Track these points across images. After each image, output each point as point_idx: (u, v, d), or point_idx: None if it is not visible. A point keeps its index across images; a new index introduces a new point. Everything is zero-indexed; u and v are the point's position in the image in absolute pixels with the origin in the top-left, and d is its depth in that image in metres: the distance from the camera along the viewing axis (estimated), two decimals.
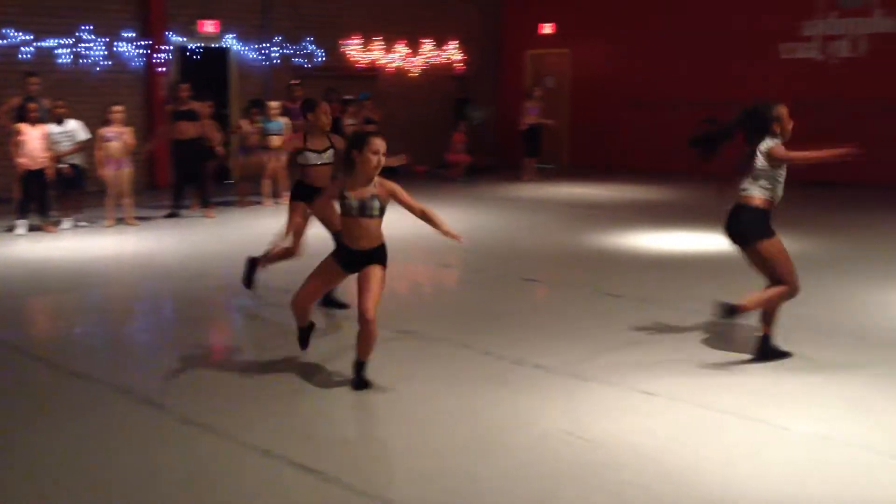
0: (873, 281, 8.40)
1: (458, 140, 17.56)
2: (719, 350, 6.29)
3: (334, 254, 5.67)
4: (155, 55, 15.22)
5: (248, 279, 7.56)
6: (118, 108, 11.61)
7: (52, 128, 11.08)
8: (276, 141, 13.21)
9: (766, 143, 6.00)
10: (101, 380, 5.70)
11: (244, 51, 16.51)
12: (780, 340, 6.20)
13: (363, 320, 5.33)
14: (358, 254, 5.46)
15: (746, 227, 6.02)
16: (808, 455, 4.55)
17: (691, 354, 6.19)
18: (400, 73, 18.85)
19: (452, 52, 19.65)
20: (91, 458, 4.55)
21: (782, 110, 6.07)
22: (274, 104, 13.62)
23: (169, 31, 15.48)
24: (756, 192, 6.02)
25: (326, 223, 7.04)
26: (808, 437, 4.75)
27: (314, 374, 5.80)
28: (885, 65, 15.33)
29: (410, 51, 18.93)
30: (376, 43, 18.35)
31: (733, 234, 6.12)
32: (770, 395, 5.40)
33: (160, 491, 4.18)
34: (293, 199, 7.22)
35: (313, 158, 7.22)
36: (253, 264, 7.56)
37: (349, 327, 6.81)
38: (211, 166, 12.94)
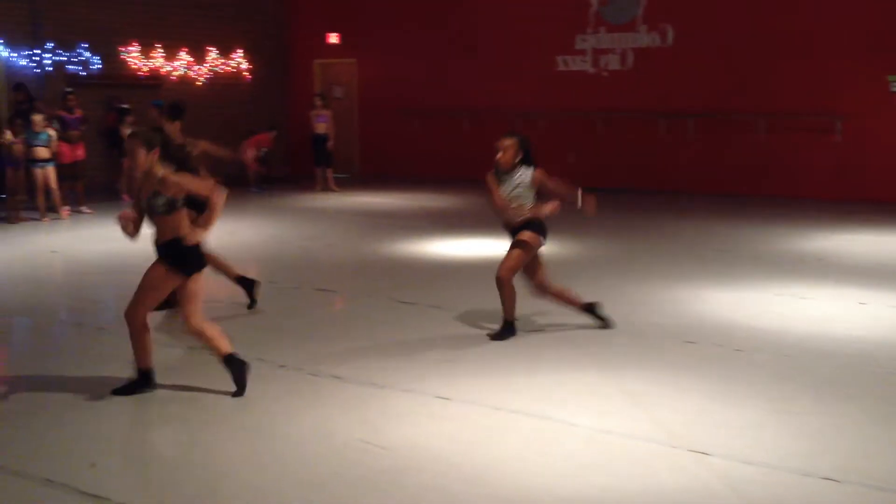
0: (650, 281, 8.97)
1: (262, 140, 17.15)
2: (510, 353, 6.54)
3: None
4: None
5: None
6: None
7: None
8: (43, 152, 12.55)
9: None
10: None
11: (13, 57, 15.50)
12: (563, 341, 6.52)
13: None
14: (158, 249, 5.49)
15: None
16: (594, 448, 4.81)
17: (482, 358, 6.40)
18: (185, 82, 18.31)
19: (239, 61, 19.30)
20: None
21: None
22: (38, 118, 12.81)
23: None
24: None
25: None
26: (593, 432, 5.02)
27: (93, 395, 5.55)
28: (648, 78, 16.42)
29: (194, 59, 18.43)
30: (157, 50, 17.74)
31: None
32: (557, 393, 5.66)
33: None
34: None
35: None
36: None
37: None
38: None
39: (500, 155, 6.87)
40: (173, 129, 7.75)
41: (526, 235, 6.78)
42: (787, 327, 7.19)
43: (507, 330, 6.89)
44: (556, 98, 17.37)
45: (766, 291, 8.42)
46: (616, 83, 16.82)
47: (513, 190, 6.81)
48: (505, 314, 6.90)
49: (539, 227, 6.87)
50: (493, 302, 7.94)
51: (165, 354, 6.48)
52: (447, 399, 5.52)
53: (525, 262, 6.88)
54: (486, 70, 18.02)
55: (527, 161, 6.89)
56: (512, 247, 6.88)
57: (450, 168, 18.25)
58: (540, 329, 7.16)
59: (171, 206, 5.38)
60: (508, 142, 6.85)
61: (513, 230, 6.87)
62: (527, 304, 7.88)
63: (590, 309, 7.17)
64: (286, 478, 4.43)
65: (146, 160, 5.43)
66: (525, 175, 6.83)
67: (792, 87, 15.20)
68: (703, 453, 4.69)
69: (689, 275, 9.22)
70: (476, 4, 18.11)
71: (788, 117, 15.28)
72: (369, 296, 8.36)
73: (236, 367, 5.60)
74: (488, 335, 6.87)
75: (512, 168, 6.85)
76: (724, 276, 9.17)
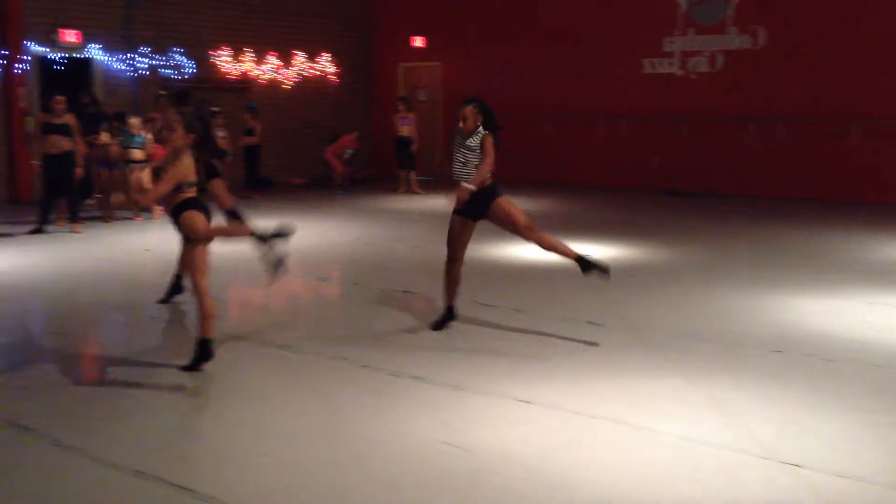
0: (736, 287, 8.79)
1: (346, 142, 17.35)
2: (591, 358, 6.48)
3: None
4: (13, 66, 14.60)
5: None
6: None
7: None
8: (138, 154, 12.93)
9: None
10: None
11: (109, 61, 16.02)
12: (646, 347, 6.44)
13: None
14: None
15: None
16: (678, 457, 4.73)
17: (563, 362, 6.36)
18: (273, 85, 18.67)
19: (325, 65, 19.59)
20: None
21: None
22: (135, 120, 13.21)
23: (28, 40, 14.88)
24: None
25: None
26: (677, 440, 4.93)
27: (185, 390, 5.69)
28: (738, 80, 16.11)
29: (282, 63, 18.77)
30: (246, 54, 18.13)
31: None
32: (640, 399, 5.58)
33: None
34: None
35: None
36: None
37: (226, 343, 6.71)
38: (77, 180, 12.51)
39: (461, 123, 7.01)
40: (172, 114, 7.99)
41: (504, 200, 7.01)
42: (881, 337, 6.96)
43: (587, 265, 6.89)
44: (641, 101, 17.18)
45: (858, 300, 8.16)
46: (704, 86, 16.54)
47: (468, 152, 6.97)
48: (570, 255, 6.99)
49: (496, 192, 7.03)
50: (577, 307, 7.89)
51: (243, 354, 6.61)
52: (527, 402, 5.49)
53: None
54: (569, 74, 17.92)
55: (488, 126, 7.01)
56: (508, 211, 7.01)
57: (530, 172, 18.19)
58: (622, 333, 7.07)
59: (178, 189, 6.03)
60: (468, 108, 6.99)
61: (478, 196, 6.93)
62: (608, 309, 7.82)
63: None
64: (366, 477, 4.47)
65: (181, 140, 6.01)
66: (476, 139, 6.98)
67: (889, 91, 14.72)
68: (795, 465, 4.57)
69: (777, 282, 9.00)
70: (560, 7, 18.02)
71: (884, 122, 14.80)
72: None
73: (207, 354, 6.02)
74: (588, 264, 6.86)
75: (474, 132, 6.99)
76: (813, 283, 8.93)
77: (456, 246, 7.14)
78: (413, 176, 17.07)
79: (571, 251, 6.99)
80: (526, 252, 10.71)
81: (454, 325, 7.37)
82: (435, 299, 8.05)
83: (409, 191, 16.94)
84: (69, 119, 11.94)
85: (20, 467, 4.58)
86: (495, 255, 10.62)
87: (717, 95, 16.31)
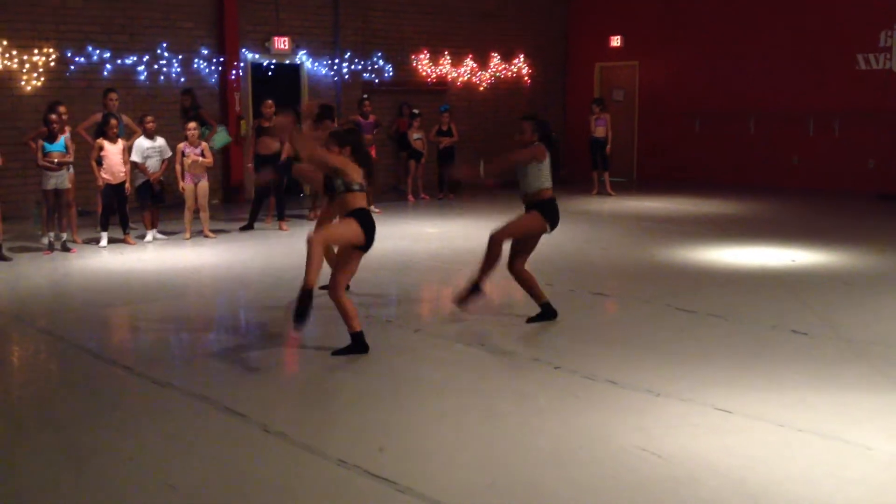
0: None
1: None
2: (796, 367, 6.19)
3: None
4: (230, 72, 15.56)
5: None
6: (192, 124, 11.88)
7: (144, 142, 11.44)
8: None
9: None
10: (182, 388, 5.84)
11: (315, 66, 16.77)
12: (858, 359, 6.09)
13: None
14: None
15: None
16: (891, 475, 4.45)
17: (766, 371, 6.11)
18: (468, 87, 18.96)
19: (520, 65, 19.70)
20: (172, 464, 4.67)
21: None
22: (346, 120, 13.89)
23: (243, 47, 15.82)
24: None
25: None
26: (891, 457, 4.65)
27: (386, 383, 5.87)
28: None
29: (477, 64, 19.03)
30: (445, 57, 18.50)
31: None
32: (850, 413, 5.30)
33: (239, 498, 4.28)
34: None
35: None
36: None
37: (419, 339, 6.88)
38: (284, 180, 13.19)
39: (518, 135, 7.38)
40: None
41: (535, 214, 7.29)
42: None
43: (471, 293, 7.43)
44: (855, 99, 16.24)
45: None
46: None
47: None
48: (477, 279, 7.40)
49: (544, 210, 7.28)
50: (780, 313, 7.57)
51: (439, 351, 6.74)
52: (728, 412, 5.31)
53: (521, 236, 7.36)
54: (775, 70, 17.20)
55: (544, 141, 7.31)
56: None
57: (734, 173, 17.60)
58: (831, 343, 6.71)
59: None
60: (527, 124, 7.34)
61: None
62: (815, 318, 7.48)
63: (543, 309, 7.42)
64: (564, 479, 4.46)
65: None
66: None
67: None
68: None
69: None
70: (764, 1, 17.31)
71: None
72: (646, 301, 8.22)
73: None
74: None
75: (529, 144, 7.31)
76: None
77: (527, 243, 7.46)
78: (607, 177, 16.87)
79: (482, 277, 7.38)
80: (724, 256, 10.37)
81: (649, 327, 7.23)
82: (626, 301, 7.93)
83: (603, 192, 16.75)
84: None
85: (231, 450, 4.88)
86: (690, 257, 10.33)
87: None
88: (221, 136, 13.26)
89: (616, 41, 19.78)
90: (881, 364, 6.20)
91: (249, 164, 13.95)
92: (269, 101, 12.83)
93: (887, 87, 15.86)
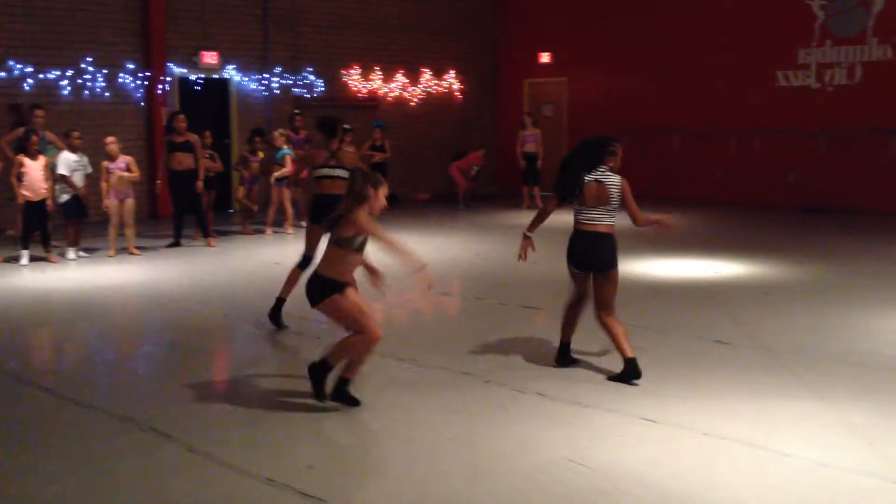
0: (875, 308, 8.42)
1: (473, 159, 17.47)
2: (719, 376, 6.32)
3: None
4: (156, 86, 15.34)
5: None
6: (111, 139, 11.72)
7: (69, 155, 11.22)
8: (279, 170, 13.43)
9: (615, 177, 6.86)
10: (105, 409, 5.72)
11: (244, 81, 16.64)
12: (779, 367, 6.24)
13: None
14: None
15: (613, 255, 6.73)
16: (810, 481, 4.57)
17: (691, 381, 6.22)
18: (400, 103, 19.01)
19: (451, 81, 19.82)
20: (96, 486, 4.57)
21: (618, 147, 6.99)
22: (278, 132, 13.84)
23: (170, 62, 15.62)
24: (613, 221, 6.82)
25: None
26: (810, 463, 4.77)
27: (312, 401, 5.83)
28: (878, 93, 15.45)
29: (409, 80, 19.09)
30: (376, 72, 18.52)
31: (601, 260, 6.66)
32: (771, 421, 5.42)
33: None
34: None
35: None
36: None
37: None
38: (210, 196, 13.04)
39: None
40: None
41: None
42: None
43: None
44: (775, 115, 16.68)
45: None
46: (842, 99, 15.94)
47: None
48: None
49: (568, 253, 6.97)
50: (704, 325, 7.73)
51: (369, 367, 6.73)
52: (653, 421, 5.40)
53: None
54: (698, 86, 17.58)
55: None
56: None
57: (661, 187, 17.90)
58: (752, 353, 6.87)
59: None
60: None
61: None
62: (737, 328, 7.64)
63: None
64: (496, 490, 4.48)
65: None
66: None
67: None
68: None
69: None
70: (690, 20, 17.71)
71: None
72: None
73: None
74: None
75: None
76: None
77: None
78: (537, 192, 17.04)
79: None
80: (649, 269, 10.54)
81: (578, 340, 7.31)
82: (555, 313, 8.02)
83: (533, 206, 16.88)
84: (192, 137, 12.39)
85: (156, 471, 4.79)
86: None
87: (857, 108, 15.68)
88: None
89: (545, 57, 20.01)
90: (799, 371, 6.37)
91: (158, 181, 13.67)
92: (181, 116, 12.54)
93: (806, 103, 16.33)
